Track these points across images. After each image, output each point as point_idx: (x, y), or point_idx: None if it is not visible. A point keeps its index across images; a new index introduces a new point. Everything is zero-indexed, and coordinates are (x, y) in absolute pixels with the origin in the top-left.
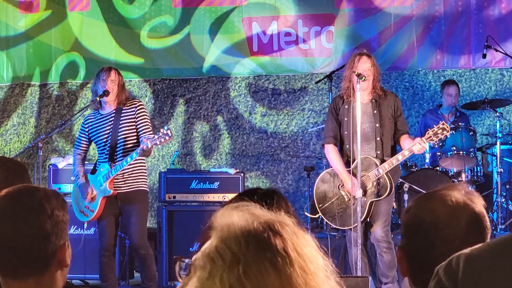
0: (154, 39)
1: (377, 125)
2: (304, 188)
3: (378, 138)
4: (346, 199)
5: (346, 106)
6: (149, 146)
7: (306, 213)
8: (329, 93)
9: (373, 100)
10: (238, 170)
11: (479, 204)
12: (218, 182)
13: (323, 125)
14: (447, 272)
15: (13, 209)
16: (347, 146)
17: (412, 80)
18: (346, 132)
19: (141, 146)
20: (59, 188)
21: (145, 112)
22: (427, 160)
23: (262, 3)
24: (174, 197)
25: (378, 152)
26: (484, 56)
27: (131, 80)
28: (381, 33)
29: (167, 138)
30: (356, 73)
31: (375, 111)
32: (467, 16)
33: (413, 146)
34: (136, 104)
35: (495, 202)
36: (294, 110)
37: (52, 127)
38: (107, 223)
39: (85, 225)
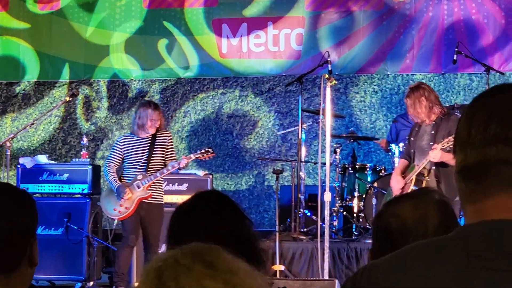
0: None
1: (431, 143)
2: (269, 190)
3: None
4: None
5: (417, 129)
6: (187, 161)
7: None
8: (299, 96)
9: (434, 122)
10: (206, 172)
11: (448, 207)
12: (187, 184)
13: (292, 128)
14: (354, 283)
15: None
16: (413, 162)
17: (381, 83)
18: (412, 151)
19: (178, 161)
20: (27, 188)
21: (173, 143)
22: (396, 165)
23: (233, 5)
24: None
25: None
26: (454, 62)
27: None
28: (351, 36)
29: (209, 153)
30: None
31: (433, 132)
32: (437, 21)
33: (429, 153)
34: (168, 135)
35: None
36: (261, 111)
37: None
38: (135, 221)
39: (116, 221)
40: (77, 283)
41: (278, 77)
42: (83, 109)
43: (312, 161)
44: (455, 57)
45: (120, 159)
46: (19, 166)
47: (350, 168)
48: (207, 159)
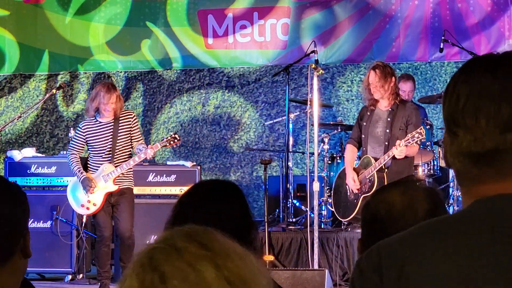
0: None
1: (387, 130)
2: (257, 181)
3: (386, 143)
4: (348, 194)
5: (369, 113)
6: (154, 151)
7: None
8: (287, 86)
9: (391, 109)
10: (194, 163)
11: (436, 195)
12: (175, 175)
13: (279, 119)
14: (370, 264)
15: None
16: (363, 148)
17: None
18: (363, 136)
19: (144, 151)
20: (15, 181)
21: (138, 122)
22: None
23: None
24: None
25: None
26: (441, 50)
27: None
28: (337, 26)
29: (176, 141)
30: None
31: (389, 119)
32: (423, 9)
33: (392, 149)
34: (131, 115)
35: (451, 196)
36: (248, 102)
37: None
38: (107, 215)
39: (84, 218)
40: (66, 276)
41: (265, 67)
42: (69, 102)
43: (300, 151)
44: (441, 46)
45: (83, 145)
46: (6, 159)
47: (338, 158)
48: (175, 146)
